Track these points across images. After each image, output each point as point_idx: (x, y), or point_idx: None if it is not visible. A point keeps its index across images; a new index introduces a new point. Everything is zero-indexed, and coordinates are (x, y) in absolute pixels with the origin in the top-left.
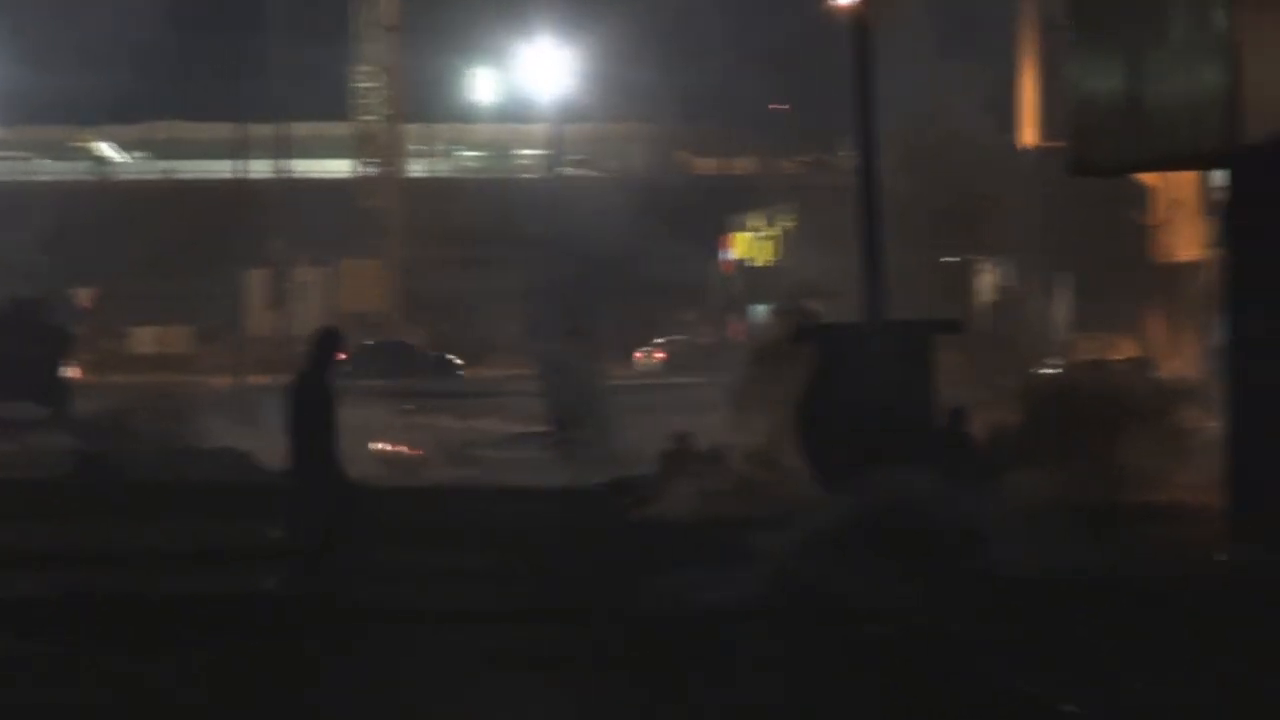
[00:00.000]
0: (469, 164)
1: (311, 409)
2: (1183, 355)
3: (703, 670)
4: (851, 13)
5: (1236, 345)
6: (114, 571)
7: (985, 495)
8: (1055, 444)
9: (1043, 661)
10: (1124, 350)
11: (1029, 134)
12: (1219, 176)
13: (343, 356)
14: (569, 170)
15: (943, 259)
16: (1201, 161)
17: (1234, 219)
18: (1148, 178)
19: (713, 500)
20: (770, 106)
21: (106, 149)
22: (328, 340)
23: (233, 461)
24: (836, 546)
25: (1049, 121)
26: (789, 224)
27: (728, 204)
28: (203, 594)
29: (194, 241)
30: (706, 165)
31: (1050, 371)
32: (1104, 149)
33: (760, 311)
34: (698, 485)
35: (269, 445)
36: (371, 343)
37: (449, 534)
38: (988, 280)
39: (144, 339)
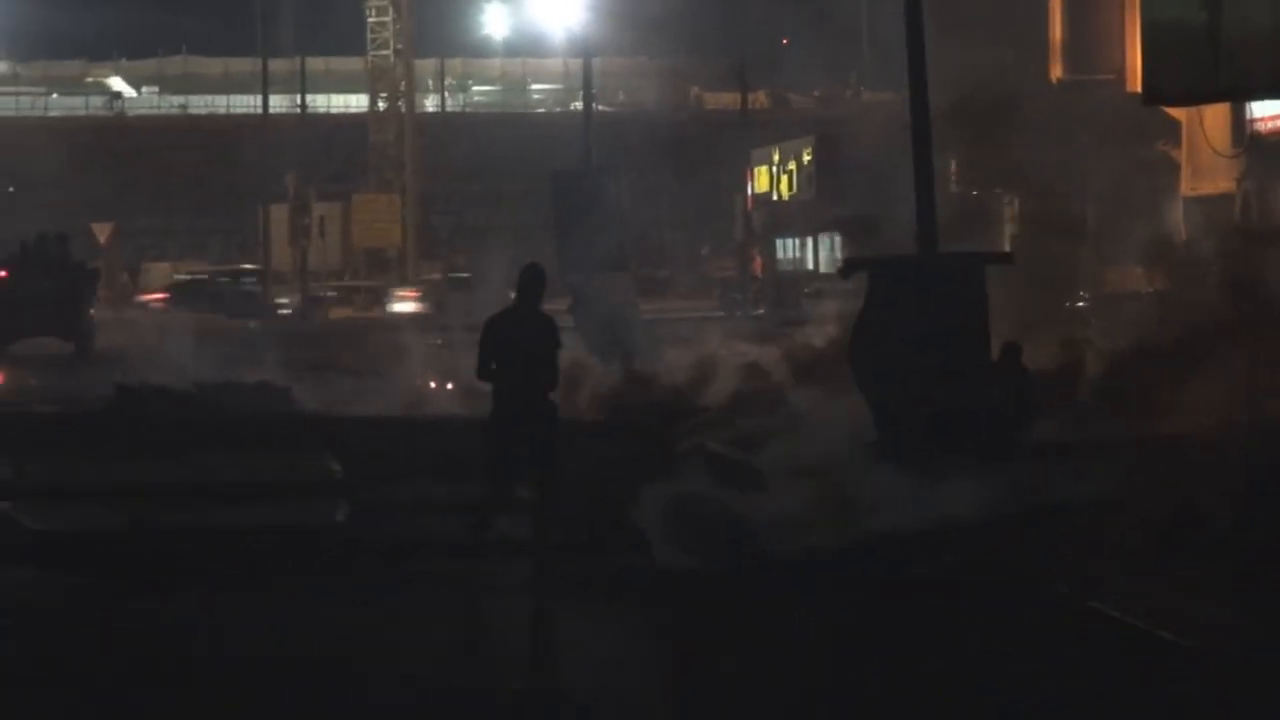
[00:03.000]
0: (482, 99)
1: (523, 348)
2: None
3: None
4: None
5: None
6: (170, 505)
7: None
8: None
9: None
10: (1152, 283)
11: (1057, 67)
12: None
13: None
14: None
15: (972, 192)
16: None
17: None
18: (1176, 112)
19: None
20: (784, 41)
21: (119, 84)
22: (535, 276)
23: (272, 396)
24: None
25: (1075, 55)
26: (807, 158)
27: (744, 139)
28: (272, 526)
29: (207, 177)
30: (719, 100)
31: (1080, 305)
32: (1177, 78)
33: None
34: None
35: (299, 380)
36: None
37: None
38: (1013, 213)
39: (159, 273)
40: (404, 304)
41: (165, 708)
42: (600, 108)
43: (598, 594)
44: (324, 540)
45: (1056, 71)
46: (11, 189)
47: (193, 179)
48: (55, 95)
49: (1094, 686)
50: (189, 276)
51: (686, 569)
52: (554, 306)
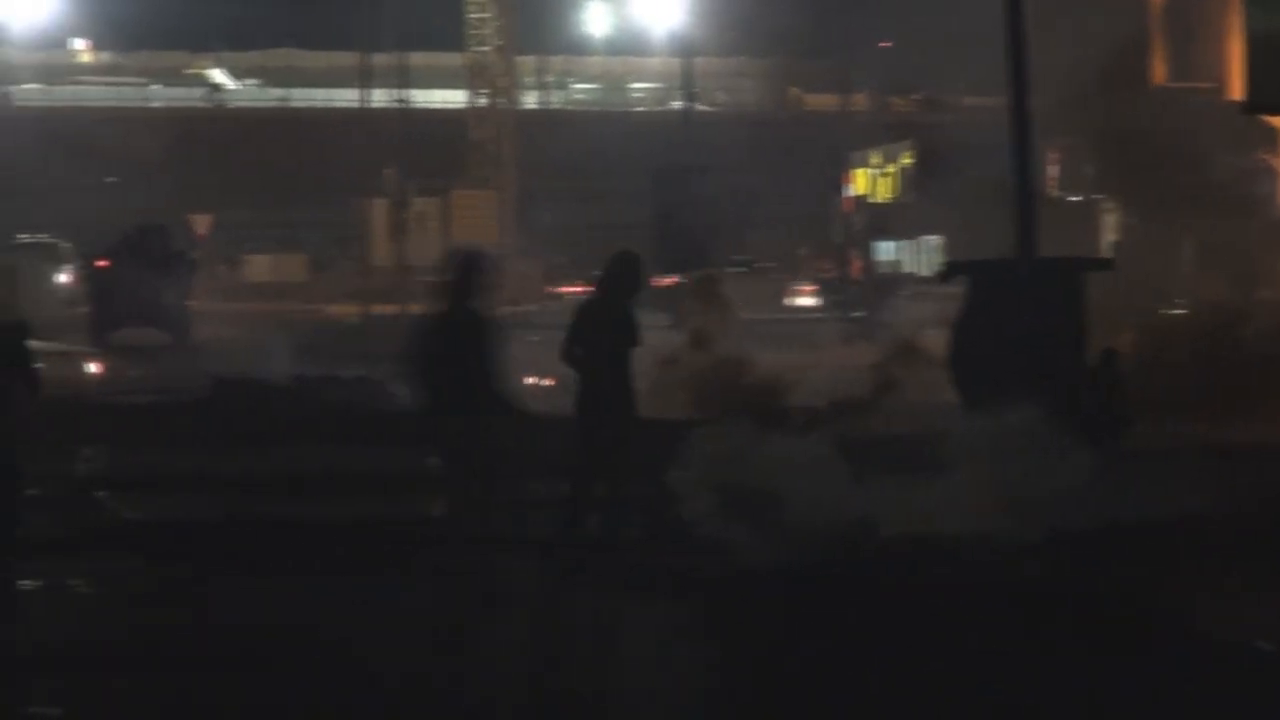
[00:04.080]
0: (582, 97)
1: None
2: None
3: None
4: None
5: None
6: (264, 496)
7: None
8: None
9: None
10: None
11: (1157, 73)
12: None
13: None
14: (681, 104)
15: (1069, 198)
16: None
17: None
18: (1276, 120)
19: None
20: (882, 44)
21: (220, 76)
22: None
23: (371, 390)
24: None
25: (1176, 61)
26: (906, 161)
27: (843, 140)
28: (361, 519)
29: (307, 170)
30: (819, 101)
31: (1177, 312)
32: (1278, 87)
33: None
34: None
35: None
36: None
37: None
38: (1113, 220)
39: (258, 266)
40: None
41: (247, 692)
42: (700, 107)
43: (666, 591)
44: (418, 533)
45: (1157, 77)
46: (111, 179)
47: (292, 172)
48: (156, 86)
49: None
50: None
51: (763, 569)
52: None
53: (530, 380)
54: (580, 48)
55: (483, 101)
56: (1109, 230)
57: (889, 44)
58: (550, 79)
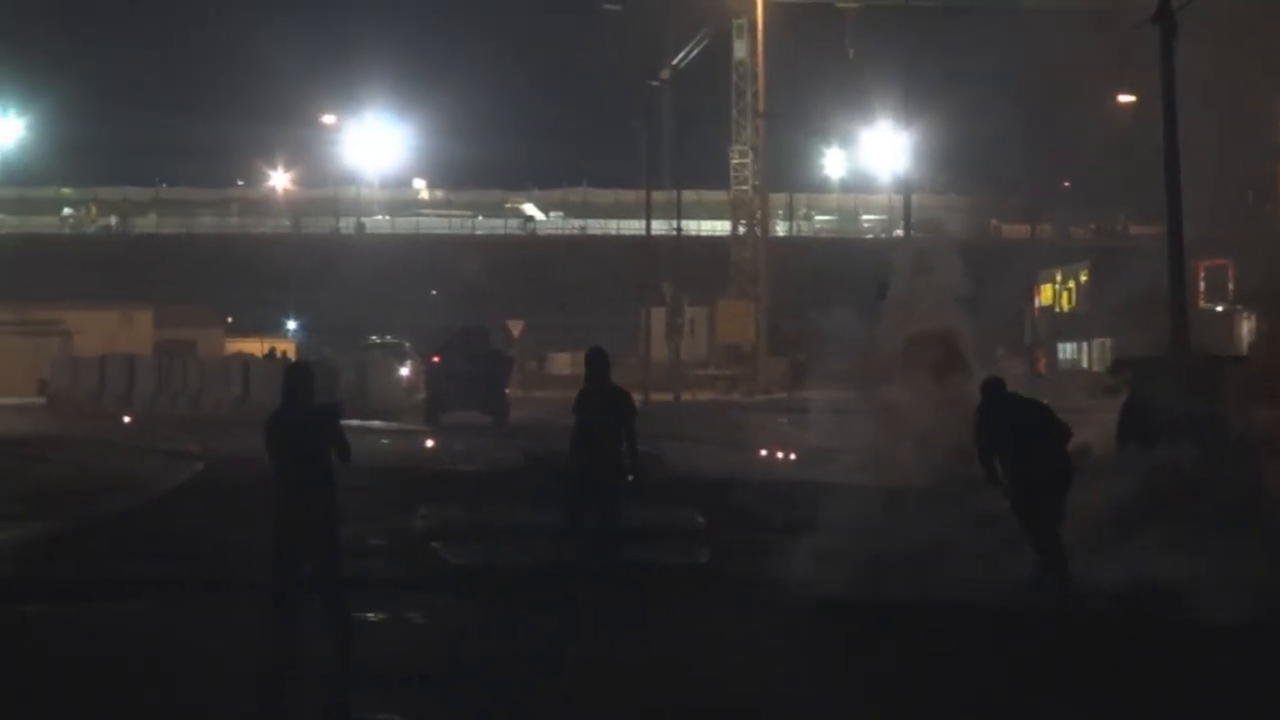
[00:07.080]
0: (822, 226)
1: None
2: None
3: None
4: (1165, 100)
5: None
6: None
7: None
8: None
9: None
10: None
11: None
12: None
13: None
14: (901, 232)
15: (1215, 308)
16: None
17: None
18: None
19: None
20: (1064, 184)
21: (532, 209)
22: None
23: (648, 460)
24: None
25: None
26: (1084, 278)
27: (1032, 262)
28: (648, 564)
29: (600, 285)
30: (1013, 230)
31: None
32: None
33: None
34: None
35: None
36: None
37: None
38: (1247, 326)
39: (560, 362)
40: None
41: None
42: (917, 235)
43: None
44: (688, 576)
45: None
46: (434, 292)
47: (588, 286)
48: (480, 218)
49: None
50: None
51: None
52: None
53: (779, 452)
54: (821, 187)
55: (742, 230)
56: (1246, 333)
57: (1069, 183)
58: (797, 212)
